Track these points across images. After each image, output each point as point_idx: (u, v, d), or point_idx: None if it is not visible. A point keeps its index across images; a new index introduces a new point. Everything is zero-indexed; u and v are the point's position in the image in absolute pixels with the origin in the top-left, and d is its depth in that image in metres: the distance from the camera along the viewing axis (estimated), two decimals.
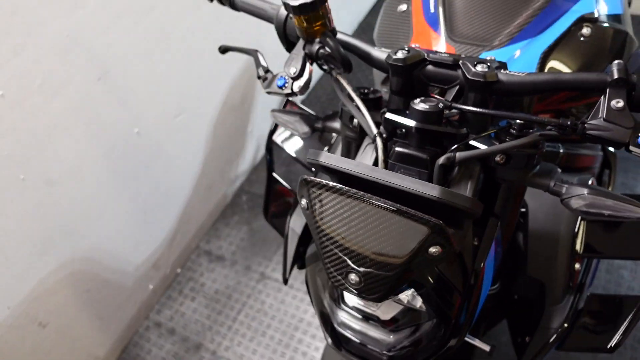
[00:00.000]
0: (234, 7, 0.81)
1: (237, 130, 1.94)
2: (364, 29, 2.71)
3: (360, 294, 0.53)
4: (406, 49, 0.62)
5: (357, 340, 0.65)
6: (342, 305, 0.65)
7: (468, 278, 0.59)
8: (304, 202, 0.54)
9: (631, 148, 0.52)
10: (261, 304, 1.67)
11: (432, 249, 0.48)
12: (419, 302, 0.60)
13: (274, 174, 1.00)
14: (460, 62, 0.59)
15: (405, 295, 0.60)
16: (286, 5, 0.60)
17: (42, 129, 1.18)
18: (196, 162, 1.76)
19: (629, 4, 1.50)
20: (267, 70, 0.74)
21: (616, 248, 0.74)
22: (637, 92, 0.52)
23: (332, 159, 0.53)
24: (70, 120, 1.24)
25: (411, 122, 0.58)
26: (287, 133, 1.00)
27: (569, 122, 0.54)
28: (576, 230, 0.74)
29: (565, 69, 0.74)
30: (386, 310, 0.61)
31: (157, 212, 1.64)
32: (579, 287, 0.74)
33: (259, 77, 0.74)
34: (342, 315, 0.65)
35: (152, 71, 1.44)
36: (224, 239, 1.90)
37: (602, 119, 0.53)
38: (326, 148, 0.95)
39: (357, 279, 0.52)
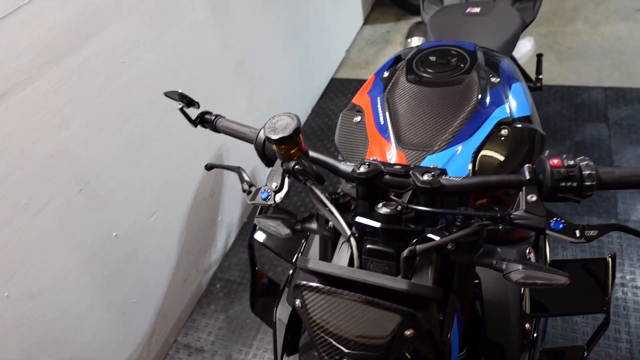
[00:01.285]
0: (216, 130, 0.95)
1: (208, 221, 2.03)
2: (318, 113, 2.94)
3: None
4: (367, 163, 0.77)
5: None
6: None
7: (439, 349, 0.70)
8: (298, 302, 0.65)
9: (547, 232, 0.67)
10: None
11: (407, 332, 0.59)
12: None
13: (257, 269, 1.10)
14: (411, 172, 0.74)
15: None
16: (268, 138, 0.74)
17: (27, 244, 1.23)
18: (171, 257, 1.82)
19: (540, 87, 1.77)
20: (250, 185, 0.86)
21: (557, 306, 0.88)
22: (544, 187, 0.67)
23: (319, 265, 0.65)
24: (53, 234, 1.30)
25: (377, 224, 0.71)
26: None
27: (499, 215, 0.69)
28: (522, 294, 0.87)
29: (493, 161, 0.91)
30: None
31: (135, 311, 1.67)
32: (532, 343, 0.86)
33: (243, 191, 0.86)
34: None
35: (129, 177, 1.54)
36: (202, 329, 1.91)
37: (522, 210, 0.68)
38: (303, 241, 1.06)
39: None
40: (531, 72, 1.91)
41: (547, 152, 0.69)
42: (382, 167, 0.77)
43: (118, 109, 1.45)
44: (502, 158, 0.90)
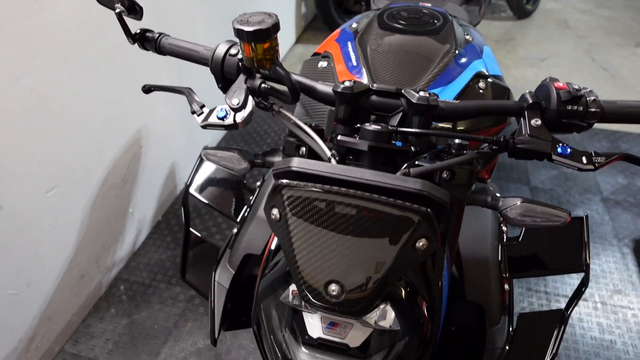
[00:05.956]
0: (161, 51, 0.79)
1: (116, 211, 1.76)
2: (251, 124, 2.80)
3: (340, 307, 0.49)
4: (351, 81, 0.66)
5: None
6: (305, 340, 0.59)
7: (432, 289, 0.59)
8: (275, 212, 0.50)
9: (554, 157, 0.61)
10: None
11: (419, 243, 0.47)
12: (389, 322, 0.57)
13: (191, 229, 0.91)
14: (403, 90, 0.64)
15: (375, 315, 0.57)
16: (239, 30, 0.60)
17: None
18: (68, 247, 1.52)
19: None
20: (202, 106, 0.71)
21: (536, 266, 0.82)
22: (549, 111, 0.62)
23: (306, 163, 0.51)
24: None
25: (364, 144, 0.60)
26: (205, 185, 0.93)
27: (502, 139, 0.62)
28: (499, 255, 0.80)
29: None
30: (355, 336, 0.57)
31: (14, 306, 1.35)
32: (510, 307, 0.79)
33: (193, 112, 0.71)
34: (304, 355, 0.59)
35: (23, 139, 1.27)
36: (98, 336, 1.61)
37: (526, 135, 0.61)
38: (251, 198, 0.91)
39: (338, 288, 0.48)
40: None
41: (547, 78, 0.65)
42: (370, 85, 0.66)
43: (13, 57, 1.20)
44: None
